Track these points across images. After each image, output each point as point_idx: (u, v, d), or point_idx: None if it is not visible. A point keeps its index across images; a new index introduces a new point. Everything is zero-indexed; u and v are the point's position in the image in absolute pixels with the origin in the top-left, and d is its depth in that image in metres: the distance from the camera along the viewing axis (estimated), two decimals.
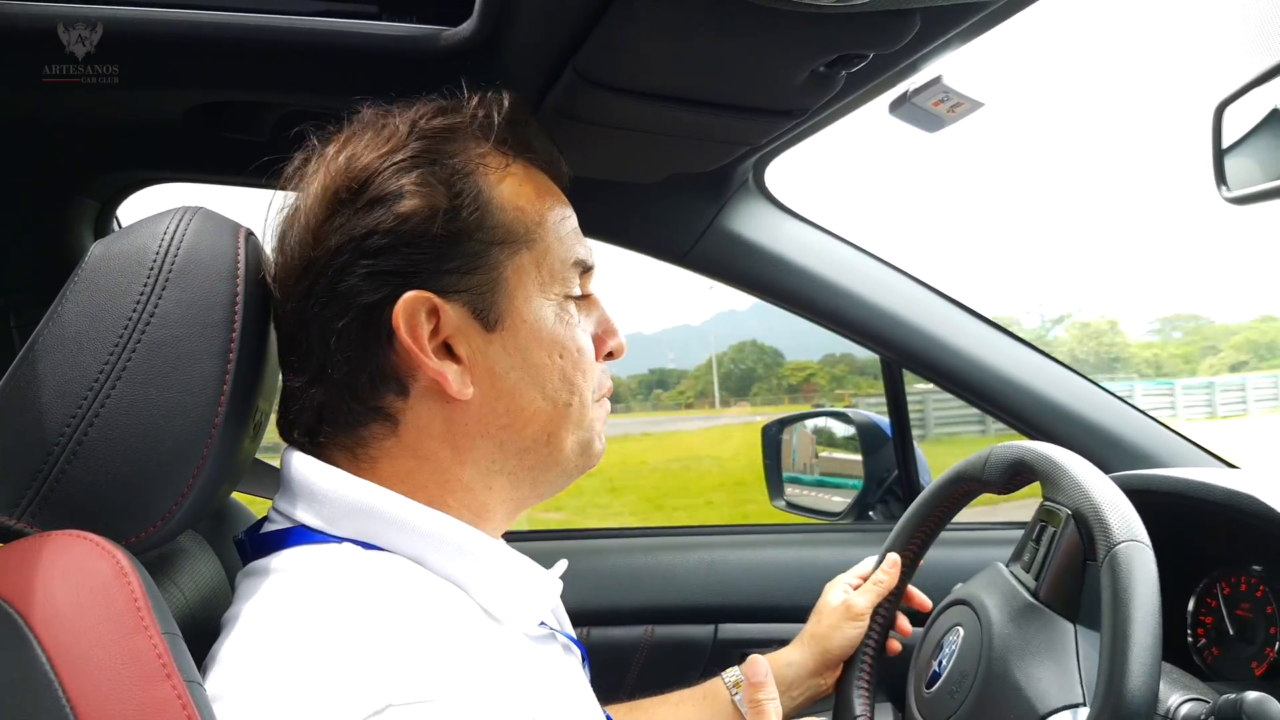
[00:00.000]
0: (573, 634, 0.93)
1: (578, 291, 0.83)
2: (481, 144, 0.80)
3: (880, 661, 1.21)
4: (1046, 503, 1.00)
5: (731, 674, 1.20)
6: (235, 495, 0.97)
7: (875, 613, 1.21)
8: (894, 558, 1.21)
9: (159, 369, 0.70)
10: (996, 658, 0.96)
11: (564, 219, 0.83)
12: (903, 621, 1.24)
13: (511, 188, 0.80)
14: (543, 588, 0.82)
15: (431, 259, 0.75)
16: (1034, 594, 0.98)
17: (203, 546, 0.90)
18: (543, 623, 0.84)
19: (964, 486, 1.15)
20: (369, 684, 0.58)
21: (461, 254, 0.76)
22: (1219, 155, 1.01)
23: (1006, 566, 1.07)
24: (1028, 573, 1.01)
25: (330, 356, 0.75)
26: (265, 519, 0.79)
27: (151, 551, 0.74)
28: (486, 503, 0.80)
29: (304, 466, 0.76)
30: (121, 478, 0.68)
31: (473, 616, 0.72)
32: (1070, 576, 0.93)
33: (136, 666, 0.59)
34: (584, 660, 0.93)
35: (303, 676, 0.60)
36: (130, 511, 0.69)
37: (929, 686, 1.06)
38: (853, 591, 1.21)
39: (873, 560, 1.25)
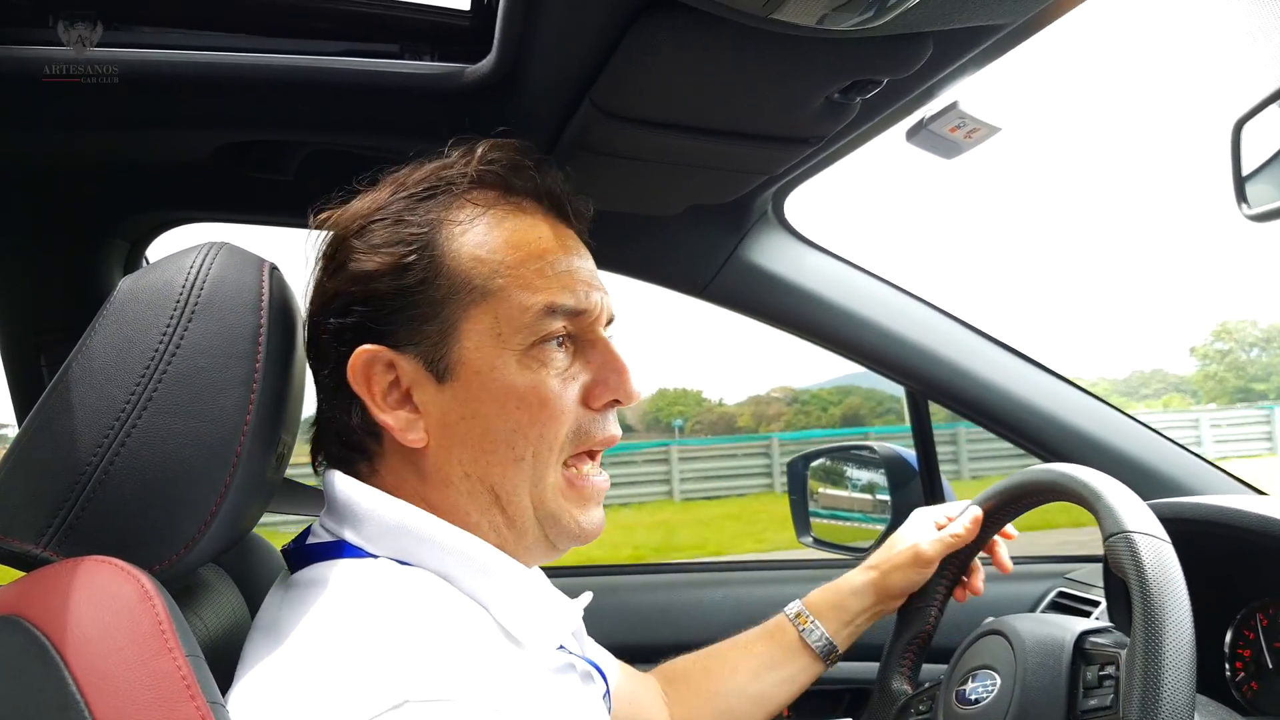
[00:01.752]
0: (598, 661, 0.93)
1: (559, 334, 0.81)
2: (456, 196, 0.82)
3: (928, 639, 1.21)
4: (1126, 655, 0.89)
5: (793, 607, 1.23)
6: (258, 530, 0.98)
7: (944, 566, 1.20)
8: (976, 513, 1.18)
9: (184, 399, 0.71)
10: None
11: (544, 264, 0.81)
12: (976, 580, 1.22)
13: (476, 238, 0.80)
14: (561, 612, 0.83)
15: (383, 315, 0.79)
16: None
17: (225, 580, 0.90)
18: (561, 646, 0.85)
19: (1065, 500, 1.07)
20: (389, 681, 0.60)
21: (411, 308, 0.79)
22: (1238, 173, 1.01)
23: (1069, 663, 0.97)
24: (1086, 695, 0.94)
25: (320, 404, 0.82)
26: (309, 530, 0.82)
27: (176, 584, 0.74)
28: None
29: (346, 487, 0.79)
30: (146, 506, 0.69)
31: (492, 635, 0.74)
32: None
33: (161, 688, 0.60)
34: (606, 692, 0.93)
35: (328, 672, 0.62)
36: (154, 539, 0.69)
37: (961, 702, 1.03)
38: (925, 540, 1.19)
39: (964, 503, 1.22)
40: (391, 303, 0.78)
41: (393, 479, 0.80)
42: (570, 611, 0.86)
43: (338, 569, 0.74)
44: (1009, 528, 1.22)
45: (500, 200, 0.83)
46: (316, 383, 0.83)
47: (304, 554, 0.78)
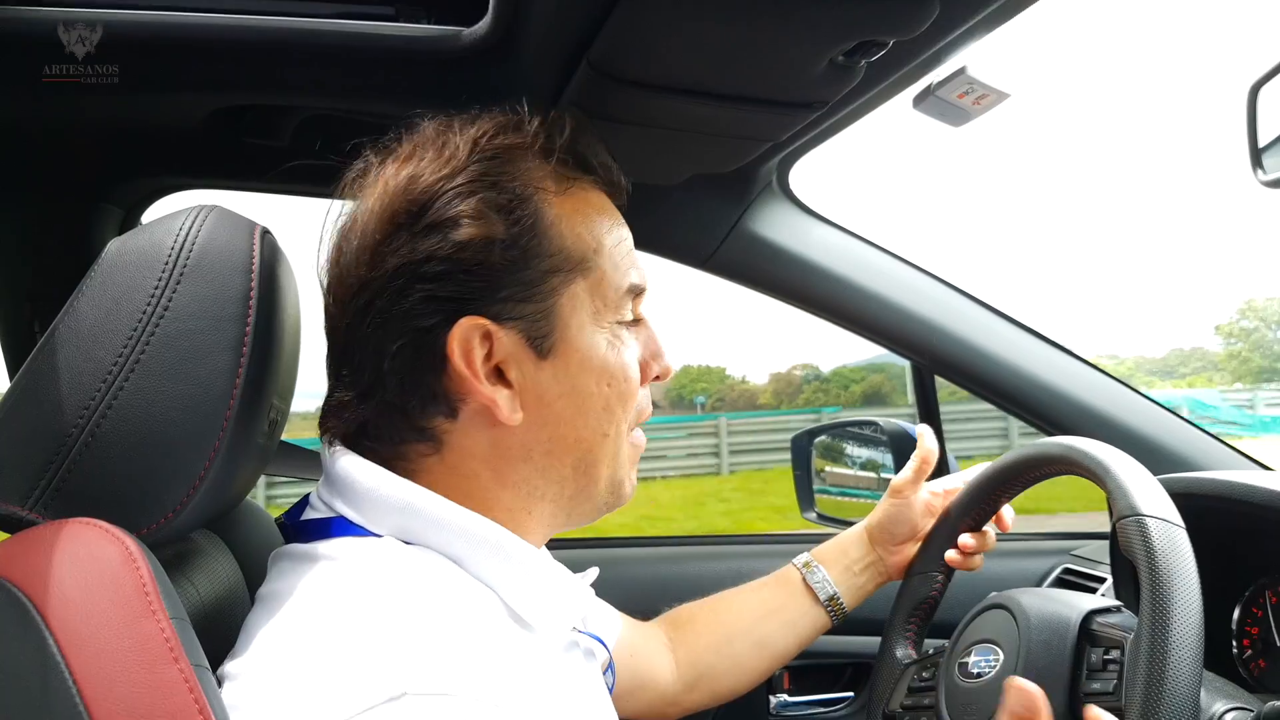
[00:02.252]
0: (600, 630, 0.92)
1: (630, 317, 0.83)
2: (543, 165, 0.79)
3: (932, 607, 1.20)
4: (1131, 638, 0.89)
5: (801, 557, 1.25)
6: (252, 499, 0.97)
7: (950, 534, 1.18)
8: (920, 429, 1.23)
9: (172, 362, 0.70)
10: None
11: (620, 242, 0.83)
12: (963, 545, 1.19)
13: (570, 212, 0.79)
14: (574, 595, 0.82)
15: (488, 287, 0.75)
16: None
17: (219, 547, 0.90)
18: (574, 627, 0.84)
19: (1077, 475, 1.04)
20: (389, 671, 0.59)
21: (517, 282, 0.76)
22: (1254, 138, 0.98)
23: (1074, 644, 0.96)
24: (1090, 678, 0.93)
25: (383, 377, 0.75)
26: (306, 503, 0.80)
27: (167, 549, 0.74)
28: (524, 524, 0.80)
29: (346, 461, 0.76)
30: (133, 469, 0.68)
31: (500, 619, 0.73)
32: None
33: (144, 650, 0.59)
34: (610, 665, 0.93)
35: (327, 658, 0.61)
36: (141, 502, 0.69)
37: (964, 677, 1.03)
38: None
39: (963, 473, 1.23)
40: (497, 274, 0.75)
41: (456, 456, 0.77)
42: (581, 592, 0.85)
43: (341, 546, 0.72)
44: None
45: (580, 173, 0.82)
46: (369, 354, 0.75)
47: (301, 528, 0.77)
